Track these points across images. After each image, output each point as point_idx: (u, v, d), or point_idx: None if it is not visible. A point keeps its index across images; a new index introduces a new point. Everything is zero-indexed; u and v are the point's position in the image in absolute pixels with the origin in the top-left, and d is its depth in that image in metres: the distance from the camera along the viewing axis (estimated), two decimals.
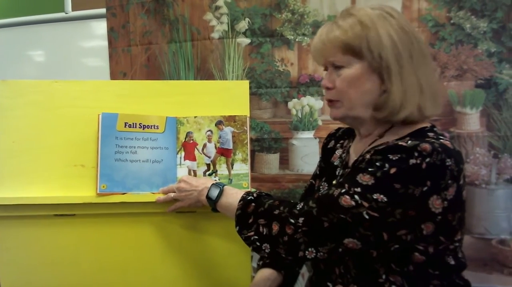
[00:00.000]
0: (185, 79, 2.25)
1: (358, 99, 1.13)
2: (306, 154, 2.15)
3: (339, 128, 1.37)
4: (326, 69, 1.18)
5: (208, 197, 1.26)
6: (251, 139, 1.51)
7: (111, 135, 1.38)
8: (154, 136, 1.42)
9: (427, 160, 0.99)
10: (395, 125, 1.14)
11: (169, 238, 1.43)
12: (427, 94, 1.10)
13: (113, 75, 2.40)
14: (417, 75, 1.09)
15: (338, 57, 1.12)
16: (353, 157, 1.21)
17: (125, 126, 1.40)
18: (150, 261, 1.42)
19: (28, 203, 1.33)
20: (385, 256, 1.06)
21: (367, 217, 0.99)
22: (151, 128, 1.42)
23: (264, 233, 1.10)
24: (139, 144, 1.41)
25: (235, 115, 1.45)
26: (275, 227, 1.08)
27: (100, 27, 2.46)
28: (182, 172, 1.43)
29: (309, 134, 2.15)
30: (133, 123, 1.40)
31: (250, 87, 1.51)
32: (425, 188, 0.99)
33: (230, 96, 1.49)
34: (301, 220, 1.05)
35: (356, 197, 1.00)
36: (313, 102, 2.13)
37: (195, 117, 1.45)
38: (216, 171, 1.44)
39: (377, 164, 1.02)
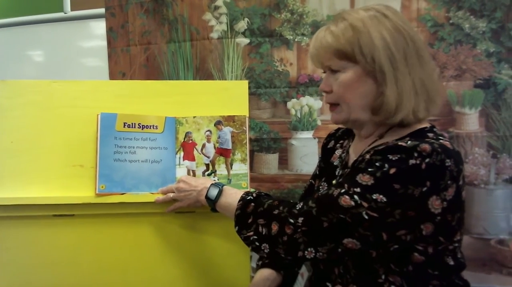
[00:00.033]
0: (184, 79, 2.25)
1: (355, 103, 1.13)
2: (305, 154, 2.15)
3: (338, 129, 1.37)
4: (325, 71, 1.18)
5: (207, 197, 1.25)
6: (250, 139, 1.51)
7: (110, 135, 1.38)
8: (153, 136, 1.42)
9: (427, 160, 0.99)
10: (394, 126, 1.14)
11: (168, 238, 1.43)
12: (422, 96, 1.10)
13: (112, 75, 2.40)
14: (412, 77, 1.09)
15: (333, 62, 1.13)
16: (352, 157, 1.21)
17: (124, 127, 1.39)
18: (149, 261, 1.42)
19: (27, 203, 1.33)
20: (385, 256, 1.06)
21: (366, 217, 0.99)
22: (150, 128, 1.42)
23: (264, 233, 1.10)
24: (138, 144, 1.41)
25: (234, 115, 1.45)
26: (275, 227, 1.08)
27: (99, 27, 2.46)
28: (181, 172, 1.43)
29: (308, 134, 2.15)
30: (132, 124, 1.40)
31: (249, 87, 1.51)
32: (424, 188, 0.99)
33: (229, 96, 1.49)
34: (300, 220, 1.05)
35: (356, 197, 1.00)
36: (312, 102, 2.13)
37: (194, 117, 1.45)
38: (215, 171, 1.44)
39: (377, 164, 1.02)
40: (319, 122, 2.15)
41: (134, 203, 1.37)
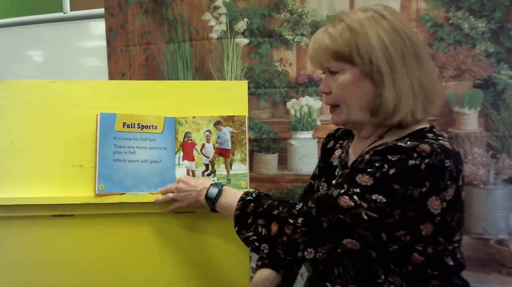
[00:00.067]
0: (184, 79, 2.25)
1: (355, 104, 1.13)
2: (305, 154, 2.15)
3: (338, 129, 1.37)
4: (324, 72, 1.18)
5: (207, 197, 1.25)
6: (249, 139, 1.51)
7: (109, 135, 1.38)
8: (152, 136, 1.42)
9: (426, 160, 0.99)
10: (393, 127, 1.13)
11: (167, 238, 1.43)
12: (420, 97, 1.10)
13: (112, 75, 2.40)
14: (410, 77, 1.08)
15: (331, 64, 1.13)
16: (352, 157, 1.21)
17: (123, 127, 1.39)
18: (148, 262, 1.42)
19: (26, 203, 1.33)
20: (384, 257, 1.06)
21: (366, 217, 0.99)
22: (149, 128, 1.42)
23: (263, 233, 1.10)
24: (137, 144, 1.41)
25: (234, 116, 1.45)
26: (274, 227, 1.08)
27: (99, 27, 2.46)
28: (180, 172, 1.43)
29: (308, 134, 2.15)
30: (131, 124, 1.40)
31: (248, 88, 1.51)
32: (424, 189, 0.99)
33: (229, 97, 1.49)
34: (300, 220, 1.05)
35: (355, 197, 1.00)
36: (311, 103, 2.13)
37: (193, 117, 1.45)
38: (215, 171, 1.44)
39: (376, 164, 1.02)
40: (318, 123, 2.15)
41: (133, 203, 1.37)
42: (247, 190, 1.40)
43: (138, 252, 1.41)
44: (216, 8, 2.21)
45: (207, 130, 1.45)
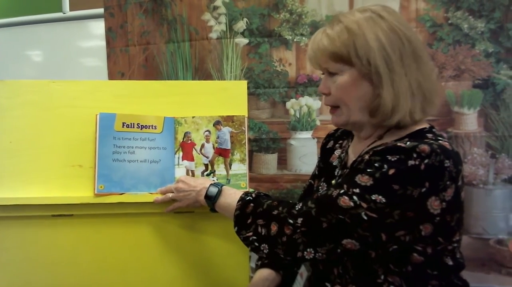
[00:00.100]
0: (183, 79, 2.25)
1: (354, 105, 1.13)
2: (304, 154, 2.15)
3: (338, 129, 1.37)
4: (323, 73, 1.18)
5: (206, 197, 1.25)
6: (249, 139, 1.51)
7: (109, 135, 1.38)
8: (152, 136, 1.42)
9: (426, 161, 0.99)
10: (392, 127, 1.13)
11: (167, 238, 1.43)
12: (419, 97, 1.10)
13: (111, 75, 2.40)
14: (409, 78, 1.08)
15: (330, 65, 1.13)
16: (351, 157, 1.21)
17: (123, 127, 1.39)
18: (148, 262, 1.42)
19: (26, 203, 1.33)
20: (384, 257, 1.06)
21: (365, 217, 0.99)
22: (149, 128, 1.42)
23: (263, 233, 1.10)
24: (137, 144, 1.41)
25: (233, 116, 1.45)
26: (274, 228, 1.08)
27: (98, 27, 2.46)
28: (180, 172, 1.42)
29: (307, 134, 2.15)
30: (131, 124, 1.40)
31: (248, 88, 1.51)
32: (423, 189, 0.99)
33: (228, 97, 1.49)
34: (300, 220, 1.05)
35: (355, 197, 1.00)
36: (311, 103, 2.13)
37: (193, 117, 1.45)
38: (214, 171, 1.44)
39: (376, 165, 1.02)
40: (318, 123, 2.15)
41: (133, 203, 1.37)
42: (247, 190, 1.40)
43: (137, 252, 1.41)
44: (215, 8, 2.21)
45: (207, 130, 1.45)
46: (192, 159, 1.44)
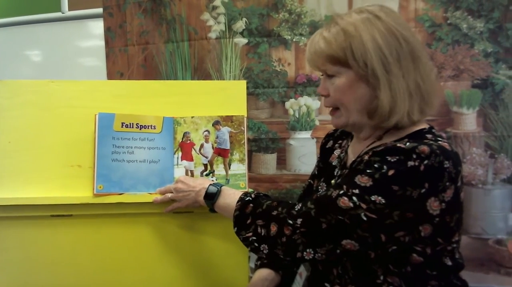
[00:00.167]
0: (182, 79, 2.25)
1: (352, 107, 1.13)
2: (304, 154, 2.15)
3: (337, 128, 1.37)
4: (322, 74, 1.18)
5: (205, 198, 1.25)
6: (248, 139, 1.51)
7: (108, 135, 1.38)
8: (151, 136, 1.42)
9: (425, 162, 0.99)
10: (391, 128, 1.13)
11: (166, 238, 1.43)
12: (417, 98, 1.09)
13: (110, 75, 2.39)
14: (406, 79, 1.08)
15: (328, 67, 1.13)
16: (351, 157, 1.21)
17: (122, 127, 1.39)
18: (147, 262, 1.42)
19: (25, 204, 1.32)
20: (383, 257, 1.06)
21: (365, 218, 0.99)
22: (148, 128, 1.42)
23: (262, 234, 1.10)
24: (136, 144, 1.40)
25: (232, 116, 1.45)
26: (273, 228, 1.08)
27: (97, 27, 2.46)
28: (179, 172, 1.42)
29: (307, 134, 2.15)
30: (130, 124, 1.40)
31: (247, 87, 1.51)
32: (423, 190, 0.99)
33: (227, 96, 1.49)
34: (299, 221, 1.05)
35: (354, 198, 1.00)
36: (310, 102, 2.13)
37: (192, 117, 1.45)
38: (213, 171, 1.44)
39: (376, 165, 1.02)
40: (317, 123, 2.15)
41: (132, 203, 1.37)
42: (246, 190, 1.40)
43: (136, 252, 1.41)
44: (214, 8, 2.21)
45: (206, 130, 1.44)
46: (191, 159, 1.44)
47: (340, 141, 1.33)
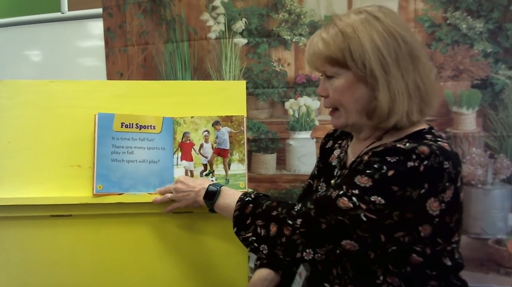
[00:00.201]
0: (182, 80, 2.25)
1: (351, 108, 1.13)
2: (303, 154, 2.15)
3: (337, 129, 1.37)
4: (322, 75, 1.18)
5: (205, 198, 1.25)
6: (248, 139, 1.51)
7: (107, 135, 1.38)
8: (150, 136, 1.42)
9: (425, 162, 0.99)
10: (391, 129, 1.13)
11: (166, 238, 1.43)
12: (416, 99, 1.09)
13: (110, 76, 2.40)
14: (405, 80, 1.08)
15: (327, 68, 1.13)
16: (351, 158, 1.21)
17: (121, 127, 1.39)
18: (147, 262, 1.42)
19: (24, 204, 1.32)
20: (383, 258, 1.06)
21: (364, 219, 0.99)
22: (147, 128, 1.42)
23: (262, 234, 1.10)
24: (135, 144, 1.40)
25: (232, 116, 1.45)
26: (273, 228, 1.08)
27: (97, 27, 2.46)
28: (179, 173, 1.42)
29: (306, 134, 2.15)
30: (129, 124, 1.40)
31: (247, 88, 1.52)
32: (422, 191, 0.99)
33: (227, 97, 1.49)
34: (299, 221, 1.05)
35: (354, 199, 1.00)
36: (310, 103, 2.13)
37: (192, 117, 1.45)
38: (213, 171, 1.44)
39: (375, 166, 1.02)
40: (317, 123, 2.15)
41: (131, 203, 1.37)
42: (246, 190, 1.40)
43: (136, 252, 1.41)
44: (214, 8, 2.21)
45: (206, 131, 1.45)
46: (191, 159, 1.44)
47: (339, 142, 1.33)
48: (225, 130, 1.44)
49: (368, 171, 1.02)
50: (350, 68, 1.09)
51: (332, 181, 1.23)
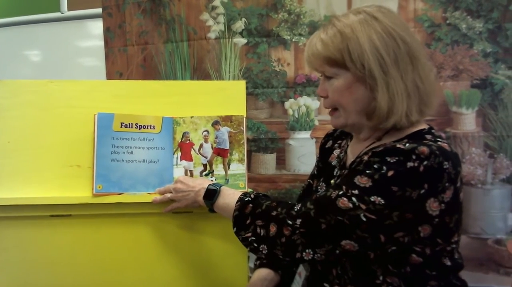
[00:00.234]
0: (182, 79, 2.25)
1: (351, 108, 1.13)
2: (303, 154, 2.15)
3: (336, 129, 1.37)
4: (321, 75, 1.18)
5: (205, 198, 1.25)
6: (247, 139, 1.51)
7: (107, 135, 1.38)
8: (150, 136, 1.42)
9: (425, 163, 0.99)
10: (390, 129, 1.13)
11: (165, 238, 1.43)
12: (415, 99, 1.09)
13: (109, 75, 2.39)
14: (404, 80, 1.08)
15: (326, 69, 1.13)
16: (350, 158, 1.21)
17: (121, 127, 1.39)
18: (146, 262, 1.42)
19: (24, 204, 1.32)
20: (382, 258, 1.06)
21: (364, 219, 0.99)
22: (147, 128, 1.42)
23: (262, 234, 1.10)
24: (135, 144, 1.40)
25: (232, 116, 1.45)
26: (273, 228, 1.08)
27: (96, 27, 2.46)
28: (178, 172, 1.42)
29: (306, 134, 2.15)
30: (129, 124, 1.40)
31: (246, 87, 1.51)
32: (422, 191, 0.99)
33: (227, 97, 1.49)
34: (298, 221, 1.05)
35: (354, 199, 1.00)
36: (309, 103, 2.13)
37: (191, 117, 1.45)
38: (213, 171, 1.44)
39: (375, 166, 1.02)
40: (316, 123, 2.15)
41: (131, 203, 1.37)
42: (245, 190, 1.40)
43: (136, 252, 1.41)
44: (214, 8, 2.21)
45: (205, 130, 1.44)
46: (190, 159, 1.44)
47: (339, 141, 1.33)
48: (224, 130, 1.44)
49: (368, 171, 1.02)
50: (349, 68, 1.09)
51: (332, 181, 1.23)
